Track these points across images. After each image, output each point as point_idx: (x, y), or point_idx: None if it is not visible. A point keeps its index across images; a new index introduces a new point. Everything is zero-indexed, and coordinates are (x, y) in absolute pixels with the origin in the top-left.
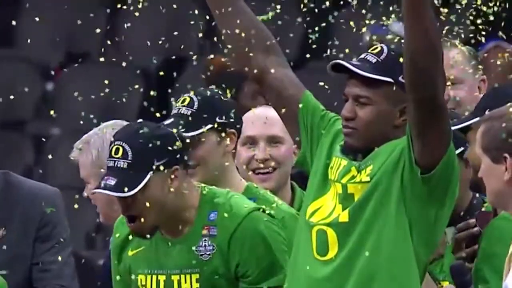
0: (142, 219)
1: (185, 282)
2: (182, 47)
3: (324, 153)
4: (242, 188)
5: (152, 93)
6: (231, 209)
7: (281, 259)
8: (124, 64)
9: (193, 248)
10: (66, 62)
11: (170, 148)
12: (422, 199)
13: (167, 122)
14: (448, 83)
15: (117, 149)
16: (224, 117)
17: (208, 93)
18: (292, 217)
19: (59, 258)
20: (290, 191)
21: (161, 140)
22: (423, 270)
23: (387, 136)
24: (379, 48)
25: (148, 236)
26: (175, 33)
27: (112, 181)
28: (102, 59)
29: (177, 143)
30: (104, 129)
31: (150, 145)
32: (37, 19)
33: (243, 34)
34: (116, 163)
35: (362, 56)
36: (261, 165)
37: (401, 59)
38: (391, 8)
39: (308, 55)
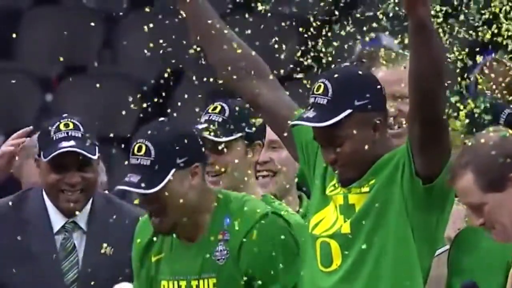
0: (164, 215)
1: (204, 287)
2: (177, 59)
3: (321, 168)
4: (259, 198)
5: (148, 105)
6: (243, 215)
7: (288, 265)
8: (121, 76)
9: (210, 252)
10: (64, 74)
11: (191, 146)
12: (423, 207)
13: (200, 126)
14: (398, 97)
15: (140, 147)
16: (252, 128)
17: (238, 103)
18: (298, 225)
19: None
20: (297, 198)
21: (182, 138)
22: (426, 275)
23: (372, 154)
24: (322, 86)
25: (168, 232)
26: (171, 46)
27: (135, 178)
28: (99, 71)
29: (198, 141)
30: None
31: (173, 143)
32: (36, 32)
33: (232, 62)
34: (139, 161)
35: (312, 101)
36: (261, 168)
37: (347, 82)
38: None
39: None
